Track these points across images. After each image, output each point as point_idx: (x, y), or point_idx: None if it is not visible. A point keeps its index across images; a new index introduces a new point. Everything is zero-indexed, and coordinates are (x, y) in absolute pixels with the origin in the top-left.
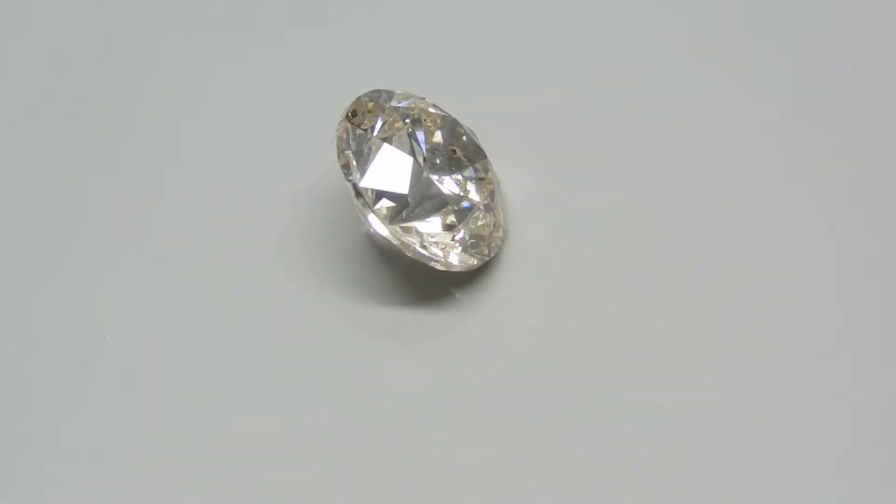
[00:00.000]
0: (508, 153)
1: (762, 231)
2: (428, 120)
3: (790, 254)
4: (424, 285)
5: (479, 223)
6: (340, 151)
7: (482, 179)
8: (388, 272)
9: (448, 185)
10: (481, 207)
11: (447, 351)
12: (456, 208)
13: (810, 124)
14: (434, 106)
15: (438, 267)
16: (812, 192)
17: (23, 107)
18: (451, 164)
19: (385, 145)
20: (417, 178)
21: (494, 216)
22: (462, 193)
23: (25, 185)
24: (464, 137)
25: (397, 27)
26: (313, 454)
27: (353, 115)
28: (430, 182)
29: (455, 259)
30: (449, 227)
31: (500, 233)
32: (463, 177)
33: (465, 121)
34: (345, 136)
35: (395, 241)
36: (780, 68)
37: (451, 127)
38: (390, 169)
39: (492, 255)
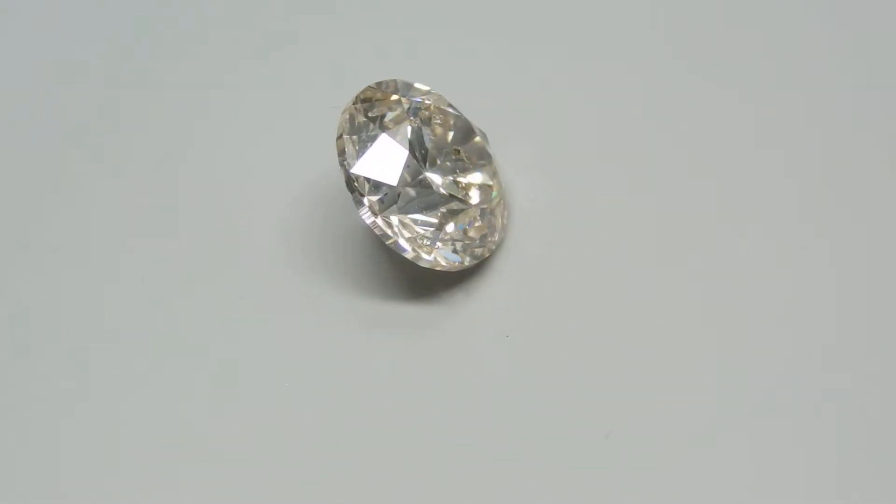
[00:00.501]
0: (525, 161)
1: (762, 232)
2: (438, 118)
3: (790, 254)
4: (412, 281)
5: (475, 225)
6: (340, 135)
7: (485, 184)
8: (379, 266)
9: (445, 184)
10: (477, 211)
11: (416, 346)
12: (449, 208)
13: (810, 125)
14: (451, 106)
15: (422, 264)
16: (811, 192)
17: (23, 107)
18: (456, 164)
19: (384, 135)
20: (412, 172)
21: (490, 221)
22: (459, 195)
23: (26, 185)
24: (476, 139)
25: (417, 25)
26: (293, 442)
27: (363, 101)
28: (426, 179)
29: (440, 258)
30: (438, 226)
31: (496, 238)
32: (465, 179)
33: (488, 124)
34: (350, 119)
35: (378, 233)
36: (782, 69)
37: (464, 128)
38: (384, 159)
39: (482, 258)
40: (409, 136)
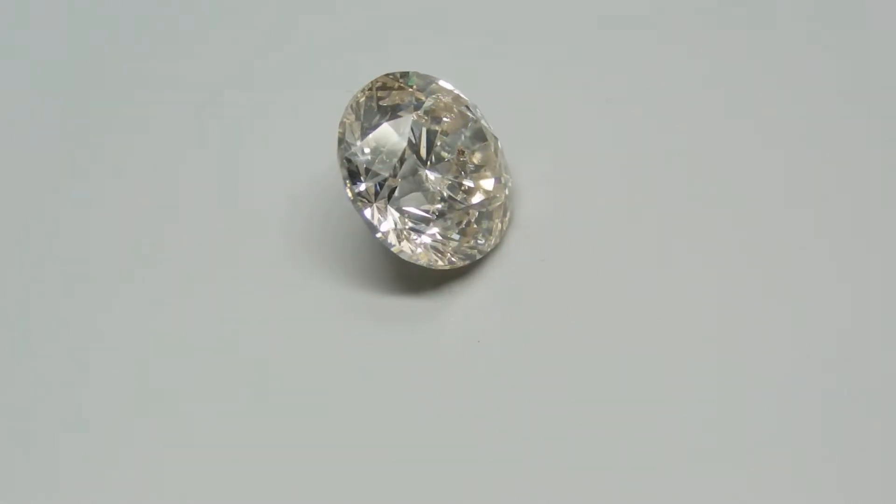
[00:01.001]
0: (538, 169)
1: (761, 233)
2: (450, 116)
3: (790, 254)
4: (403, 278)
5: (469, 227)
6: (344, 119)
7: (487, 188)
8: (373, 263)
9: (445, 183)
10: (474, 213)
11: (396, 342)
12: (445, 206)
13: (812, 126)
14: (469, 107)
15: (406, 258)
16: (812, 192)
17: (23, 107)
18: (461, 166)
19: (385, 125)
20: (408, 166)
21: (487, 224)
22: (458, 195)
23: (26, 185)
24: (486, 143)
25: (428, 25)
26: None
27: (378, 89)
28: (423, 175)
29: (429, 254)
30: (430, 222)
31: (492, 241)
32: (467, 181)
33: (510, 129)
34: (359, 105)
35: (365, 220)
36: (783, 73)
37: (475, 130)
38: (382, 149)
39: (474, 260)
40: (413, 130)
